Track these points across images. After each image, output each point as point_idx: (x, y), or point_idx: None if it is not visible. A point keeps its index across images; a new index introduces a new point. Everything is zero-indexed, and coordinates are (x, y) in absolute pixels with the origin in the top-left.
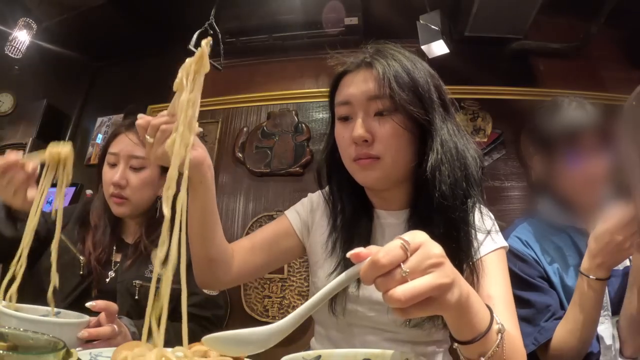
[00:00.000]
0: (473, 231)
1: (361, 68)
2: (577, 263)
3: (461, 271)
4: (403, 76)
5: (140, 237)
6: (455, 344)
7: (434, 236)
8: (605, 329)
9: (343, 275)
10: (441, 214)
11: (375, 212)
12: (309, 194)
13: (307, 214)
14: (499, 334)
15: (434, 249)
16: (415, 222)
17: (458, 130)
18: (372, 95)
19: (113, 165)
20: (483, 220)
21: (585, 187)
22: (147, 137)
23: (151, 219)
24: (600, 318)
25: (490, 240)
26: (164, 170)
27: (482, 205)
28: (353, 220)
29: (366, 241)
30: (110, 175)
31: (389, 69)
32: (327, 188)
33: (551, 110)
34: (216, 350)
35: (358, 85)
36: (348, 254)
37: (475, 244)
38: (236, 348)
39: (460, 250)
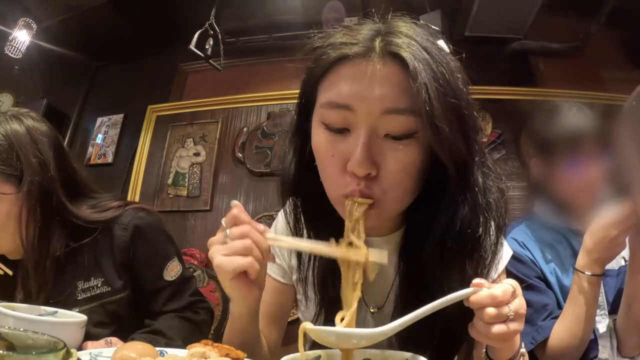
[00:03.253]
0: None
1: (374, 55)
2: (573, 263)
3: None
4: (441, 82)
5: (39, 277)
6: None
7: (427, 264)
8: (603, 327)
9: (455, 294)
10: (446, 260)
11: None
12: (276, 221)
13: (282, 255)
14: (522, 357)
15: (524, 300)
16: (409, 250)
17: (485, 167)
18: (391, 108)
19: None
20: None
21: (582, 190)
22: (228, 232)
23: (48, 259)
24: (598, 317)
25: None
26: (31, 204)
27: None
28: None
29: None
30: None
31: (425, 71)
32: (288, 210)
33: (551, 113)
34: (317, 339)
35: (370, 86)
36: (474, 282)
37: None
38: (336, 341)
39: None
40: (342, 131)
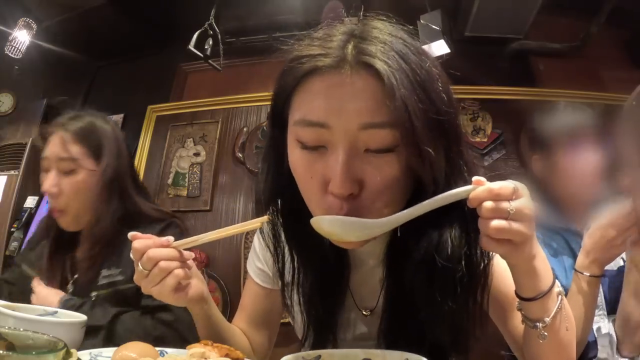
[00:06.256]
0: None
1: (345, 65)
2: (571, 264)
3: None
4: (418, 91)
5: (89, 252)
6: (520, 304)
7: (412, 277)
8: (601, 327)
9: (455, 190)
10: (430, 258)
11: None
12: (257, 232)
13: (267, 262)
14: (559, 296)
15: (532, 204)
16: (393, 256)
17: (470, 171)
18: (368, 122)
19: (47, 171)
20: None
21: (583, 185)
22: (141, 267)
23: (100, 234)
24: (596, 317)
25: None
26: (105, 181)
27: None
28: (321, 265)
29: (341, 286)
30: (44, 182)
31: (403, 85)
32: (266, 231)
33: (550, 111)
34: (330, 231)
35: (343, 100)
36: (474, 179)
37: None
38: (351, 231)
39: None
40: (318, 148)
